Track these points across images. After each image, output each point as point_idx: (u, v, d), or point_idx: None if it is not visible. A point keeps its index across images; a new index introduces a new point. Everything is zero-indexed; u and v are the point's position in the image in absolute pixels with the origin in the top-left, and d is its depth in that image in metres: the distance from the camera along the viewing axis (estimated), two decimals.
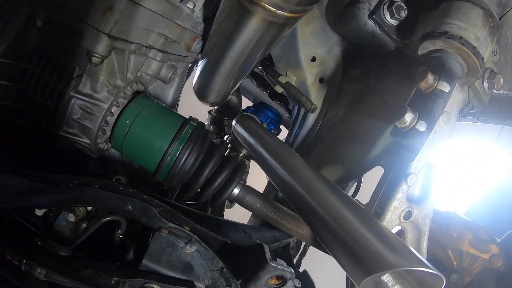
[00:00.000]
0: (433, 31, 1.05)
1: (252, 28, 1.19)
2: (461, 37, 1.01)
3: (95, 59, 1.15)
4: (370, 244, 0.78)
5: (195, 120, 1.29)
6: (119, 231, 1.22)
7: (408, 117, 0.96)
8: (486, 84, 1.17)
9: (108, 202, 1.11)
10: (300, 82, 1.62)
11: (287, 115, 2.33)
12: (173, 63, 1.41)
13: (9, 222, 1.21)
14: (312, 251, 1.47)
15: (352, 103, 1.51)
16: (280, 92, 1.68)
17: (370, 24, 1.26)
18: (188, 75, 1.86)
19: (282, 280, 1.07)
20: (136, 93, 1.33)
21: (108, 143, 1.35)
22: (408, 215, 1.07)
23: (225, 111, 2.29)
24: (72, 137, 1.28)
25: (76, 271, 1.05)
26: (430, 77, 1.00)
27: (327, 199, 0.95)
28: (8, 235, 1.17)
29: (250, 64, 1.36)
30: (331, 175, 1.43)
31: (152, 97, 1.37)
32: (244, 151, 1.99)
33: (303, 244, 1.88)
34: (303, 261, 1.90)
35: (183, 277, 1.07)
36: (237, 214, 2.02)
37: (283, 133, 2.25)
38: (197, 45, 1.41)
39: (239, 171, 1.24)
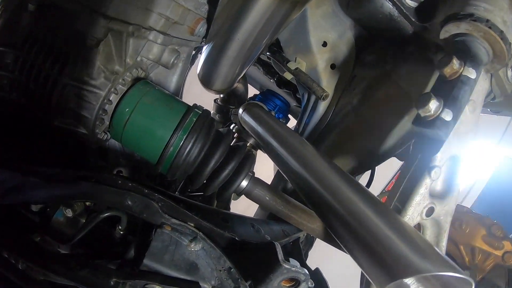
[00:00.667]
0: (457, 13, 0.99)
1: (261, 6, 1.14)
2: (488, 20, 0.95)
3: (90, 42, 1.07)
4: (395, 246, 0.70)
5: (200, 107, 1.21)
6: (120, 227, 1.15)
7: (433, 105, 0.89)
8: (510, 73, 1.11)
9: (106, 197, 1.03)
10: (311, 68, 1.56)
11: (295, 104, 2.28)
12: (176, 47, 1.33)
13: (4, 218, 1.15)
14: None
15: (366, 90, 1.46)
16: (289, 79, 1.63)
17: (387, 5, 1.22)
18: (192, 62, 1.79)
19: (295, 282, 0.99)
20: (137, 80, 1.25)
21: (108, 133, 1.27)
22: (430, 212, 1.00)
23: (231, 100, 2.22)
24: (68, 127, 1.20)
25: (73, 271, 0.98)
26: (456, 62, 0.93)
27: (344, 192, 0.88)
28: (4, 232, 1.10)
29: (259, 47, 1.29)
30: (342, 166, 1.37)
31: (154, 84, 1.29)
32: (251, 141, 1.92)
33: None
34: None
35: (188, 278, 0.98)
36: (241, 206, 1.97)
37: (291, 123, 2.18)
38: (201, 28, 1.33)
39: (247, 162, 1.16)
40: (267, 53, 1.68)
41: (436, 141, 0.94)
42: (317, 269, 1.25)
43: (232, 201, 2.05)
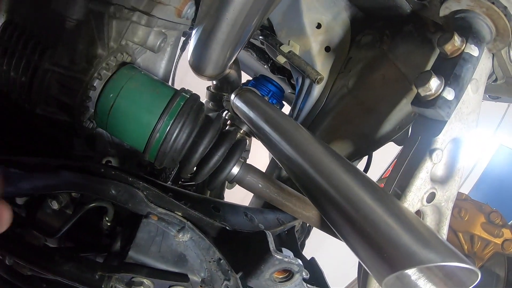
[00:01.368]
0: None
1: None
2: None
3: (69, 24, 1.01)
4: (395, 234, 0.64)
5: (187, 91, 1.15)
6: (107, 218, 1.09)
7: (434, 83, 0.83)
8: None
9: (90, 186, 0.98)
10: (304, 51, 1.52)
11: (290, 91, 2.22)
12: (163, 30, 1.26)
13: None
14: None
15: (362, 72, 1.42)
16: (282, 62, 1.57)
17: None
18: (183, 49, 1.73)
19: (289, 273, 0.93)
20: (122, 65, 1.19)
21: (94, 121, 1.21)
22: (431, 197, 0.94)
23: (224, 87, 2.15)
24: (51, 116, 1.14)
25: (58, 266, 0.93)
26: (457, 39, 0.87)
27: (340, 178, 0.81)
28: None
29: (249, 27, 1.23)
30: (339, 152, 1.32)
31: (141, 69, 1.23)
32: (244, 128, 1.87)
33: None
34: None
35: (176, 270, 0.94)
36: (238, 195, 1.92)
37: (285, 109, 2.13)
38: (189, 10, 1.26)
39: (238, 148, 1.11)
40: (260, 37, 1.63)
41: (437, 121, 0.89)
42: (312, 258, 1.20)
43: (229, 190, 2.00)
